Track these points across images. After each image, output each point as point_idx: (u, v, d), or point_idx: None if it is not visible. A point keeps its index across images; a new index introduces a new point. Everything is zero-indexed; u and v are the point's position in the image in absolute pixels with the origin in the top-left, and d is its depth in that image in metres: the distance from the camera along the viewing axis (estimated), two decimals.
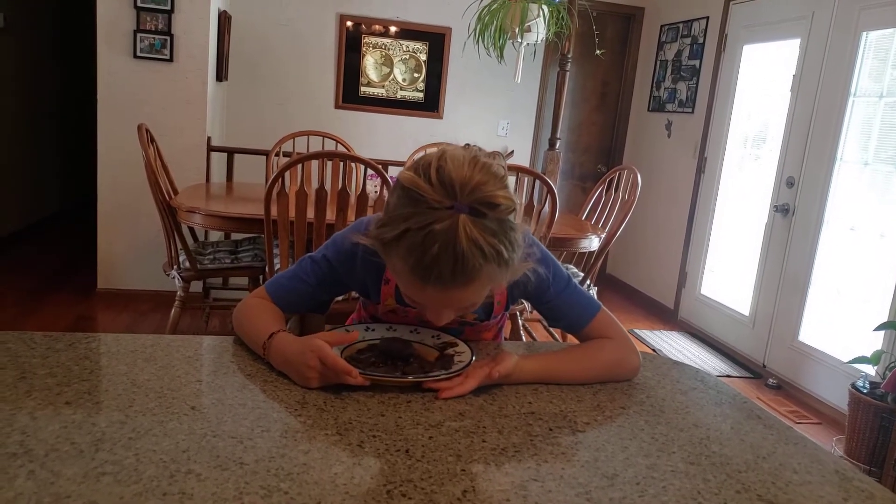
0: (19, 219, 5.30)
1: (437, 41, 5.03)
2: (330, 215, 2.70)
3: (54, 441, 0.72)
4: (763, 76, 4.23)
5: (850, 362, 3.06)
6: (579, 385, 1.03)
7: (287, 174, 2.81)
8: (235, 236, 3.64)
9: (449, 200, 0.86)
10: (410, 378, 0.94)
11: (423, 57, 5.04)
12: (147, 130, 3.19)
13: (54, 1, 5.69)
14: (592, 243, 3.26)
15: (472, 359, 0.99)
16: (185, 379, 0.92)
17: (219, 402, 0.86)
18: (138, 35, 3.82)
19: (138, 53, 3.84)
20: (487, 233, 0.86)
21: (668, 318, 4.92)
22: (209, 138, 4.08)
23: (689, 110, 4.84)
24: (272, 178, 2.59)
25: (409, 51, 5.02)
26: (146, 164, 3.06)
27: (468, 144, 0.94)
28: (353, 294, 1.24)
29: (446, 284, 0.87)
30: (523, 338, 3.23)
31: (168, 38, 3.85)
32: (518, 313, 3.16)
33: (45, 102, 5.69)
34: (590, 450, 0.82)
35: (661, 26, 5.22)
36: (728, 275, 4.45)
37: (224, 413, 0.83)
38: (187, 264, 3.11)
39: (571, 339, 1.17)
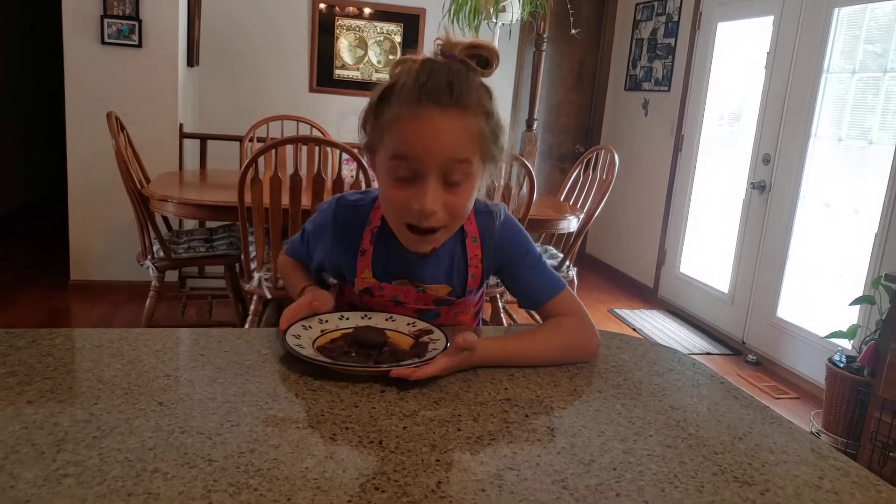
0: None
1: (411, 22, 4.97)
2: (305, 201, 2.66)
3: (14, 443, 0.70)
4: (738, 54, 4.23)
5: (826, 337, 3.09)
6: (546, 367, 1.02)
7: (261, 160, 2.77)
8: (210, 224, 3.59)
9: (442, 57, 0.97)
10: (383, 367, 0.92)
11: (398, 39, 4.99)
12: (117, 118, 3.13)
13: None
14: (571, 224, 3.26)
15: (446, 346, 0.97)
16: (153, 374, 0.90)
17: (187, 397, 0.84)
18: (105, 20, 3.74)
19: (106, 39, 3.76)
20: (481, 83, 0.97)
21: (647, 297, 4.95)
22: (181, 125, 4.01)
23: (666, 89, 4.83)
24: (245, 163, 2.55)
25: (383, 32, 4.97)
26: (116, 152, 3.01)
27: None
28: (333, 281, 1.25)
29: (441, 103, 0.91)
30: (504, 322, 3.23)
31: (136, 23, 3.77)
32: (498, 296, 3.16)
33: (5, 93, 5.56)
34: (566, 435, 0.81)
35: (636, 4, 5.20)
36: (707, 252, 4.48)
37: (193, 408, 0.81)
38: (161, 254, 3.07)
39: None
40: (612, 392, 0.95)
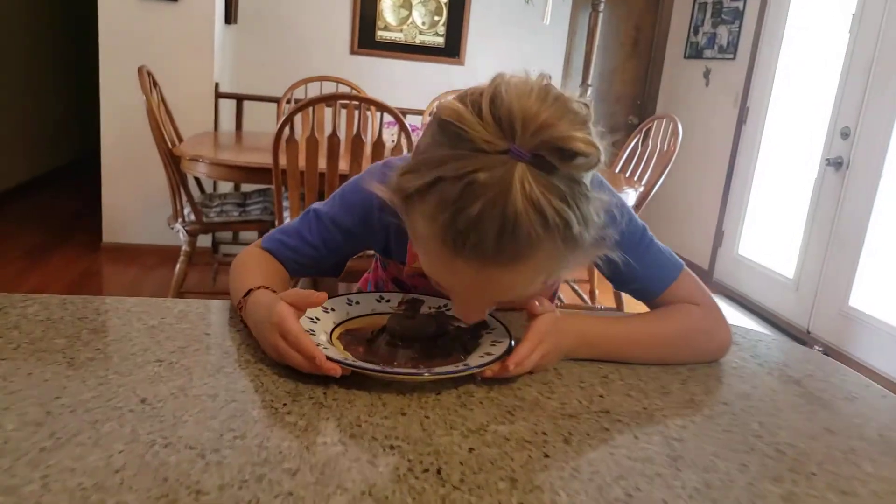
0: (26, 170, 5.10)
1: None
2: (343, 165, 2.48)
3: None
4: (816, 17, 3.88)
5: None
6: (658, 367, 0.79)
7: (297, 119, 2.57)
8: (246, 188, 3.42)
9: (504, 141, 0.61)
10: (426, 373, 0.69)
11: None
12: (149, 73, 2.95)
13: None
14: (629, 198, 3.00)
15: (510, 344, 0.75)
16: (141, 358, 0.69)
17: (180, 393, 0.63)
18: None
19: None
20: (554, 193, 0.61)
21: (702, 279, 4.65)
22: (217, 84, 3.83)
23: (731, 56, 4.49)
24: (280, 122, 2.35)
25: None
26: (148, 109, 2.84)
27: (541, 75, 0.68)
28: (370, 252, 0.98)
29: (486, 259, 0.62)
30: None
31: None
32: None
33: (49, 49, 5.44)
34: (695, 469, 0.58)
35: None
36: (770, 234, 4.17)
37: (185, 409, 0.60)
38: (192, 217, 2.90)
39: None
40: (742, 405, 0.72)
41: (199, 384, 0.65)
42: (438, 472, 0.54)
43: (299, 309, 0.72)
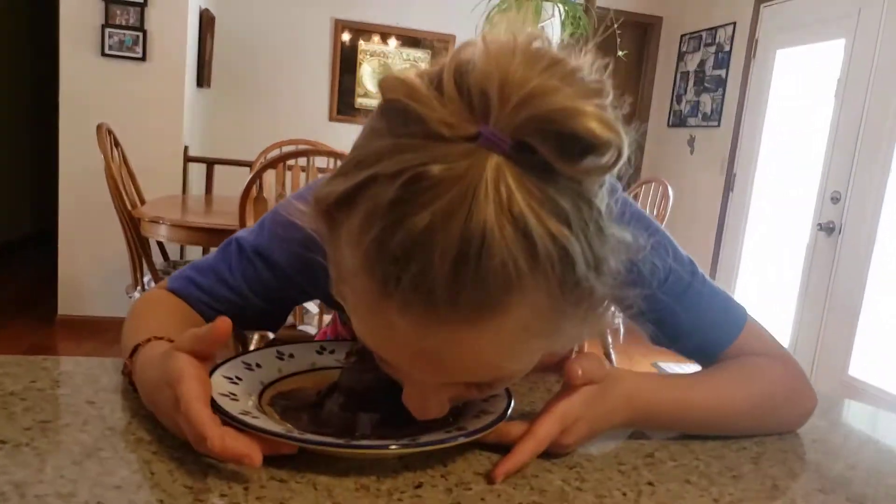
0: None
1: (440, 50, 4.65)
2: None
3: None
4: (801, 82, 3.84)
5: None
6: (716, 440, 0.58)
7: (270, 178, 2.40)
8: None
9: (472, 123, 0.40)
10: (392, 447, 0.48)
11: (425, 66, 4.65)
12: (109, 131, 2.78)
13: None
14: None
15: (509, 404, 0.54)
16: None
17: (14, 493, 0.41)
18: (107, 30, 3.42)
19: (107, 51, 3.43)
20: (546, 207, 0.40)
21: None
22: (186, 148, 3.66)
23: (715, 124, 4.44)
24: (249, 179, 2.18)
25: (409, 59, 4.64)
26: (106, 168, 2.66)
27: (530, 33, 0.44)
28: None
29: (433, 307, 0.40)
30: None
31: (141, 34, 3.45)
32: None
33: (10, 113, 5.27)
34: None
35: (682, 35, 4.86)
36: (764, 302, 4.01)
37: None
38: (153, 285, 2.67)
39: None
40: (845, 492, 0.51)
41: (53, 477, 0.43)
42: None
43: (203, 356, 0.50)
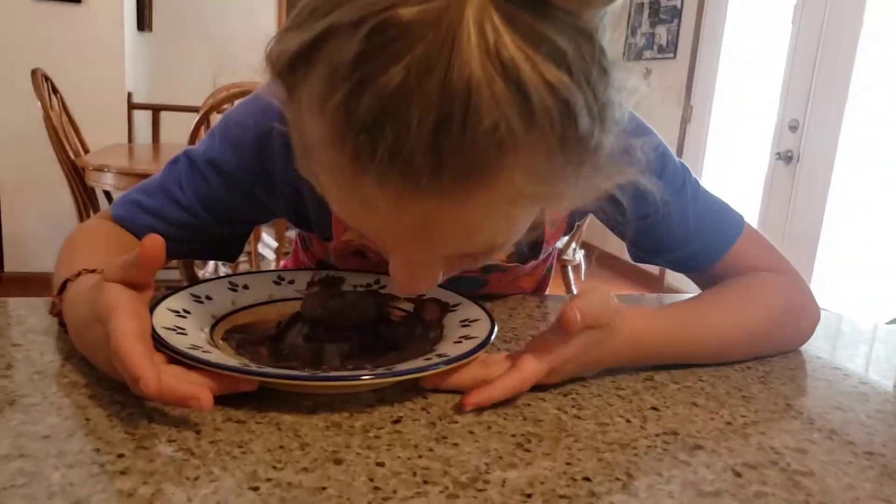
0: None
1: None
2: None
3: None
4: (757, 9, 3.79)
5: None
6: (726, 365, 0.54)
7: (217, 120, 2.28)
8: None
9: None
10: (365, 377, 0.43)
11: None
12: (45, 77, 2.62)
13: None
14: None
15: (492, 330, 0.49)
16: None
17: None
18: None
19: None
20: (543, 51, 0.33)
21: (653, 283, 4.51)
22: (130, 94, 3.48)
23: (671, 55, 4.39)
24: (196, 121, 2.06)
25: None
26: (45, 118, 2.51)
27: None
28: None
29: (413, 180, 0.34)
30: None
31: None
32: (569, 265, 2.69)
33: None
34: None
35: None
36: None
37: None
38: None
39: None
40: (865, 410, 0.47)
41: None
42: None
43: (138, 284, 0.44)
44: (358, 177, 0.35)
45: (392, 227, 0.39)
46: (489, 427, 0.41)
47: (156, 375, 0.37)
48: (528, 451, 0.39)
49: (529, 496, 0.34)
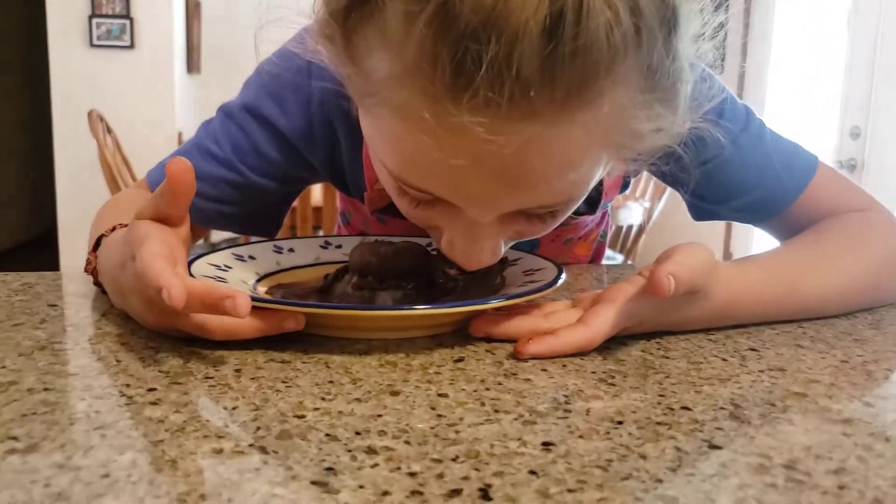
0: None
1: None
2: (316, 198, 2.25)
3: None
4: (808, 16, 3.70)
5: None
6: (822, 319, 0.48)
7: None
8: (216, 238, 3.13)
9: None
10: (419, 308, 0.38)
11: None
12: (101, 118, 2.69)
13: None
14: (633, 213, 2.72)
15: (559, 275, 0.44)
16: None
17: None
18: (94, 20, 3.31)
19: (95, 42, 3.33)
20: None
21: None
22: (180, 134, 3.57)
23: (720, 69, 4.31)
24: None
25: None
26: (100, 154, 2.57)
27: None
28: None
29: (524, 99, 0.31)
30: None
31: (128, 21, 3.34)
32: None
33: (4, 114, 5.14)
34: None
35: None
36: None
37: None
38: None
39: None
40: None
41: None
42: (485, 496, 0.22)
43: (172, 219, 0.40)
44: (451, 103, 0.31)
45: (477, 169, 0.34)
46: (564, 365, 0.36)
47: (181, 283, 0.33)
48: (612, 384, 0.33)
49: (620, 423, 0.29)
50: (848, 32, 3.38)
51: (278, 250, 0.52)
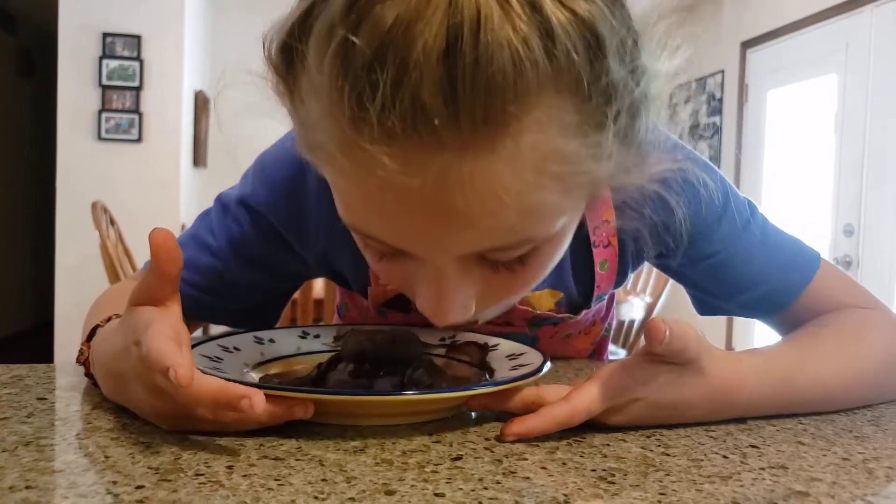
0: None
1: None
2: (318, 289, 2.25)
3: None
4: (797, 119, 3.82)
5: None
6: (822, 415, 0.47)
7: None
8: (214, 333, 3.11)
9: None
10: (449, 391, 0.40)
11: None
12: (105, 209, 2.73)
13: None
14: (635, 308, 2.72)
15: (544, 362, 0.44)
16: None
17: None
18: (103, 115, 3.41)
19: (103, 135, 3.42)
20: None
21: None
22: (183, 226, 3.61)
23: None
24: None
25: None
26: (101, 245, 2.59)
27: None
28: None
29: (427, 129, 0.30)
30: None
31: (136, 116, 3.44)
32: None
33: (9, 205, 5.22)
34: None
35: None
36: None
37: None
38: None
39: None
40: None
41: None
42: None
43: (161, 298, 0.40)
44: (361, 136, 0.31)
45: (407, 206, 0.33)
46: (564, 463, 0.35)
47: (189, 364, 0.32)
48: (612, 483, 0.33)
49: None
50: (836, 135, 3.49)
51: (259, 341, 0.52)
